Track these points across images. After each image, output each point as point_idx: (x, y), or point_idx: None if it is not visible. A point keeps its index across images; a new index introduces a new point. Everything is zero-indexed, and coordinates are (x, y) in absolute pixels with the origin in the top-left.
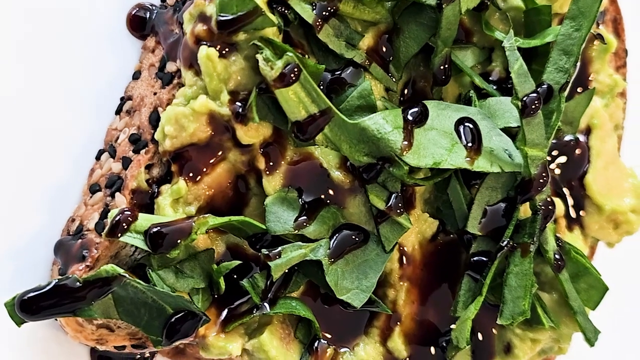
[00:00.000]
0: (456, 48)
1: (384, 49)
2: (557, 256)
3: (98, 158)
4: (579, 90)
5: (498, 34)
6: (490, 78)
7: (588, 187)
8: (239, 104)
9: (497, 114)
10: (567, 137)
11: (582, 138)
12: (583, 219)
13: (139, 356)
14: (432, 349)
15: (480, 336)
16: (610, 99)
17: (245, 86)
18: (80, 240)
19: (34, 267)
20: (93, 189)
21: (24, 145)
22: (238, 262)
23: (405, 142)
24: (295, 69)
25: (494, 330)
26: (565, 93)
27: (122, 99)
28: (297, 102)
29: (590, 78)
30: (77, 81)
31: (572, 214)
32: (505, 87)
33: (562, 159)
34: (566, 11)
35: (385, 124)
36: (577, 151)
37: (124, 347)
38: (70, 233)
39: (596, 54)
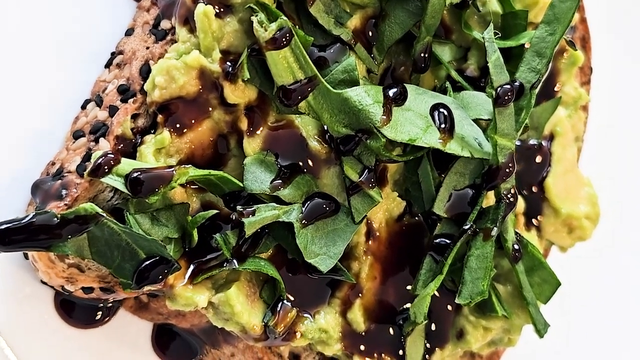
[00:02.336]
0: (436, 42)
1: (370, 33)
2: (515, 247)
3: (84, 107)
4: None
5: (476, 33)
6: (465, 74)
7: (547, 190)
8: (229, 63)
9: (470, 106)
10: (532, 141)
11: (545, 143)
12: (540, 222)
13: (101, 304)
14: (391, 330)
15: (435, 323)
16: (574, 110)
17: (237, 48)
18: (60, 181)
19: (8, 207)
20: (76, 134)
21: (8, 89)
22: (214, 211)
23: (384, 117)
24: (287, 34)
25: (449, 317)
26: (536, 91)
27: (112, 53)
28: (285, 66)
29: (556, 89)
30: (69, 34)
31: (531, 220)
32: (478, 84)
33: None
34: (540, 19)
35: (367, 96)
36: (540, 155)
37: (91, 289)
38: (50, 175)
39: (564, 67)
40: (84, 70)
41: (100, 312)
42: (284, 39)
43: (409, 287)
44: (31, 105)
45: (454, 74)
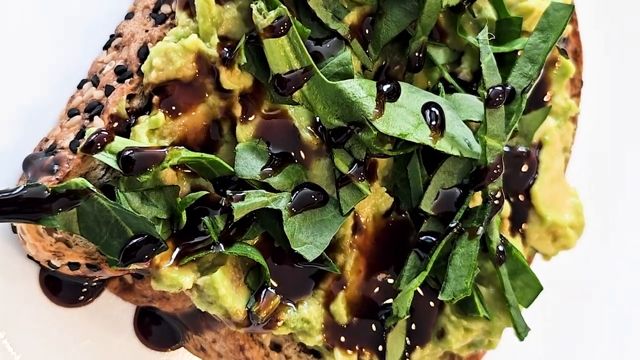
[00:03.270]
0: (431, 45)
1: (367, 31)
2: (500, 248)
3: (80, 87)
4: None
5: (470, 38)
6: (457, 78)
7: (533, 197)
8: (226, 49)
9: (461, 108)
10: (520, 148)
11: (533, 151)
12: (525, 229)
13: (86, 283)
14: (373, 326)
15: (417, 322)
16: (563, 121)
17: (234, 35)
18: (52, 156)
19: None
20: (71, 112)
21: (4, 66)
22: (204, 192)
23: (377, 110)
24: (286, 23)
25: (431, 316)
26: (527, 95)
27: (111, 36)
28: (282, 55)
29: (546, 98)
30: (69, 16)
31: (516, 226)
32: (469, 89)
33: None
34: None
35: (360, 89)
36: (528, 162)
37: (78, 265)
38: (42, 150)
39: (555, 77)
40: (82, 52)
41: (85, 292)
42: (281, 27)
43: (390, 281)
44: (26, 83)
45: (447, 75)
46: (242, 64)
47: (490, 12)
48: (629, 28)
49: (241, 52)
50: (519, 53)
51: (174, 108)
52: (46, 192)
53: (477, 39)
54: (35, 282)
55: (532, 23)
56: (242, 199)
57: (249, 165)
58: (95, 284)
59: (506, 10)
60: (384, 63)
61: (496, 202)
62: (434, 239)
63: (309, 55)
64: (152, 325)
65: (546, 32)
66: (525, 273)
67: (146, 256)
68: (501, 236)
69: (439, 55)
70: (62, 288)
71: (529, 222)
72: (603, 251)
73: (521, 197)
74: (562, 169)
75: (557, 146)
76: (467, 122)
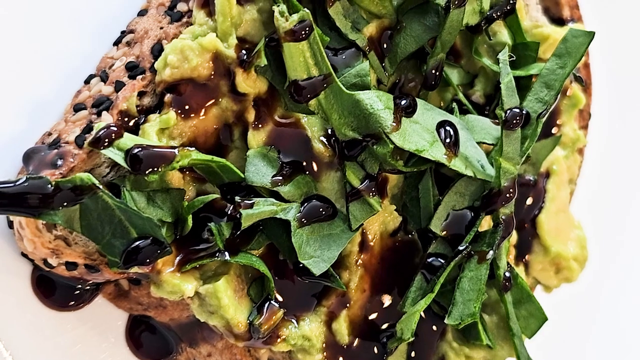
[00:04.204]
0: (445, 64)
1: (385, 45)
2: (506, 275)
3: (87, 82)
4: None
5: (485, 60)
6: (470, 100)
7: (539, 226)
8: (244, 51)
9: (474, 129)
10: (528, 177)
11: (540, 180)
12: (528, 260)
13: (80, 286)
14: (375, 348)
15: (417, 347)
16: (571, 152)
17: (253, 37)
18: (56, 150)
19: None
20: (77, 107)
21: (10, 57)
22: (214, 195)
23: (394, 124)
24: (307, 27)
25: (432, 342)
26: (543, 121)
27: (122, 32)
28: (301, 61)
29: (554, 130)
30: (78, 10)
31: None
32: (482, 111)
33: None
34: (549, 57)
35: (378, 101)
36: (535, 191)
37: (75, 266)
38: (45, 144)
39: (565, 108)
40: (90, 47)
41: (77, 295)
42: (303, 32)
43: (390, 302)
44: (28, 76)
45: (461, 96)
46: (262, 65)
47: (505, 37)
48: (635, 61)
49: (261, 53)
50: (533, 79)
51: (186, 108)
52: (49, 185)
53: (498, 59)
54: (27, 282)
55: (547, 50)
56: (251, 206)
57: (260, 172)
58: (88, 287)
59: (523, 34)
60: (398, 80)
61: (508, 224)
62: (442, 261)
63: (328, 63)
64: (144, 335)
65: (564, 58)
66: (530, 302)
67: (149, 259)
68: (507, 263)
69: (453, 76)
70: (54, 290)
71: (532, 252)
72: (604, 286)
73: (526, 226)
74: (568, 200)
75: (563, 177)
76: (479, 144)
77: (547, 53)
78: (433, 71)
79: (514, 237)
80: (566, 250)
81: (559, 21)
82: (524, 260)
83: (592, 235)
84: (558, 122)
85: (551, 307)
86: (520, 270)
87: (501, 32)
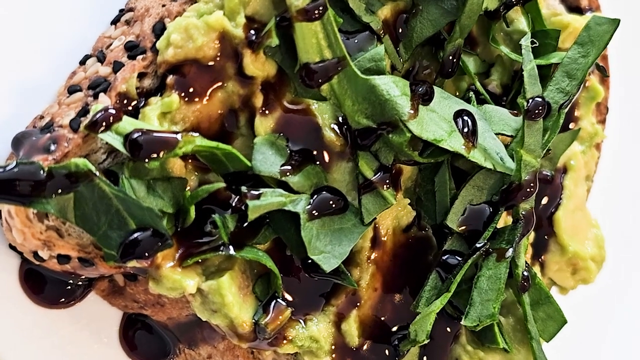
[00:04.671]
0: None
1: (400, 29)
2: (525, 274)
3: (83, 63)
4: None
5: (503, 48)
6: (486, 90)
7: (556, 224)
8: (252, 32)
9: (492, 120)
10: (545, 172)
11: (557, 176)
12: (544, 259)
13: (71, 281)
14: (386, 351)
15: (430, 351)
16: (588, 147)
17: (262, 17)
18: (49, 134)
19: None
20: (72, 89)
21: (1, 33)
22: (220, 184)
23: (412, 112)
24: (321, 7)
25: (445, 345)
26: (565, 112)
27: (121, 10)
28: (314, 42)
29: (571, 123)
30: None
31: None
32: (499, 102)
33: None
34: (568, 47)
35: (395, 87)
36: (552, 186)
37: (68, 259)
38: (37, 128)
39: (583, 101)
40: (85, 26)
41: (68, 292)
42: (316, 11)
43: (400, 302)
44: (19, 57)
45: (478, 85)
46: (273, 46)
47: (523, 25)
48: None
49: (272, 32)
50: (553, 68)
51: (190, 91)
52: (42, 171)
53: (515, 47)
54: (15, 277)
55: (566, 39)
56: (258, 197)
57: (268, 160)
58: (81, 283)
59: (543, 21)
60: (412, 67)
61: (528, 220)
62: (458, 258)
63: (342, 45)
64: (140, 336)
65: (586, 46)
66: (549, 304)
67: (148, 252)
68: (525, 262)
69: (470, 63)
70: (44, 285)
71: (549, 251)
72: (621, 287)
73: (542, 224)
74: (585, 197)
75: (581, 173)
76: (497, 135)
77: (566, 42)
78: (450, 57)
79: (531, 235)
80: (584, 250)
81: (576, 10)
82: (539, 259)
83: (609, 234)
84: (576, 114)
85: (567, 309)
86: (535, 270)
87: (518, 20)
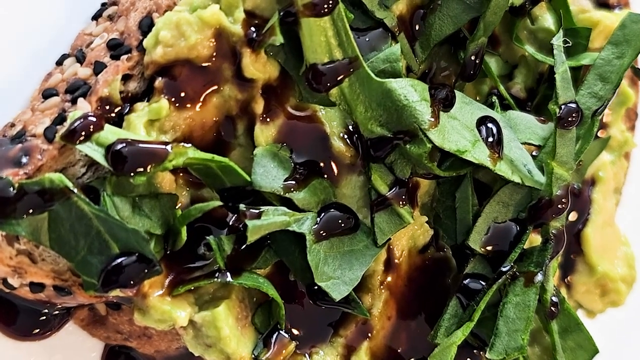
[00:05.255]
0: None
1: (417, 27)
2: (553, 299)
3: (60, 63)
4: None
5: (528, 48)
6: (510, 94)
7: (585, 242)
8: (253, 28)
9: (518, 128)
10: (572, 184)
11: (585, 189)
12: (570, 280)
13: (46, 311)
14: None
15: None
16: (618, 157)
17: (263, 12)
18: (20, 145)
19: None
20: (47, 93)
21: None
22: (217, 203)
23: (432, 120)
24: (331, 0)
25: None
26: (599, 119)
27: (103, 4)
28: (322, 40)
29: (599, 131)
30: None
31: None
32: (523, 108)
33: None
34: (598, 47)
35: (413, 91)
36: (580, 201)
37: (42, 287)
38: (7, 137)
39: (611, 106)
40: (63, 21)
41: (43, 322)
42: (326, 5)
43: (413, 330)
44: None
45: (502, 89)
46: (276, 45)
47: (549, 22)
48: None
49: (275, 29)
50: (583, 71)
51: (181, 96)
52: (11, 188)
53: (543, 46)
54: None
55: (595, 38)
56: (259, 216)
57: (269, 174)
58: (57, 312)
59: (572, 18)
60: (429, 68)
61: (559, 239)
62: (482, 283)
63: (355, 44)
64: None
65: (621, 46)
66: (579, 332)
67: (134, 280)
68: (554, 286)
69: (492, 65)
70: (15, 315)
71: (576, 271)
72: None
73: (570, 241)
74: (614, 212)
75: (610, 185)
76: (523, 145)
77: (595, 42)
78: (473, 58)
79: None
80: (613, 270)
81: (604, 6)
82: (565, 281)
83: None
84: (604, 121)
85: (596, 335)
86: (562, 293)
87: (543, 17)
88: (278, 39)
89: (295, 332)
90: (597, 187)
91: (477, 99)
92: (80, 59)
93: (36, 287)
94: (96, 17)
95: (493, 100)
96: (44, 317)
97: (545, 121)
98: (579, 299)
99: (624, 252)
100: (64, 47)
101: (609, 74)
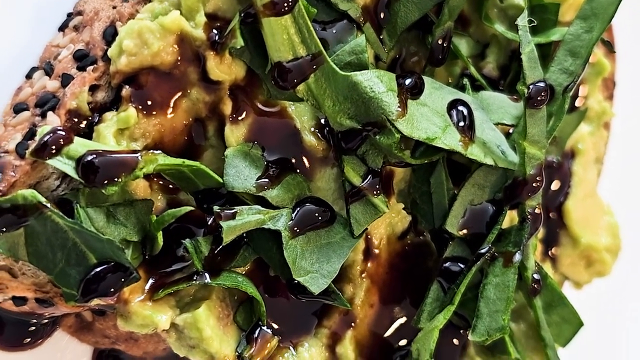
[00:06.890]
0: (452, 34)
1: (382, 14)
2: (535, 277)
3: (29, 77)
4: None
5: (498, 26)
6: (482, 73)
7: (566, 215)
8: (215, 31)
9: (490, 109)
10: (551, 158)
11: (565, 162)
12: (555, 253)
13: (34, 321)
14: None
15: None
16: (597, 127)
17: (225, 13)
18: None
19: None
20: (18, 108)
21: None
22: (189, 208)
23: (400, 109)
24: None
25: (452, 358)
26: (570, 95)
27: (69, 14)
28: (285, 39)
29: (577, 102)
30: None
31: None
32: (496, 87)
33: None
34: (569, 20)
35: (379, 82)
36: (560, 174)
37: (25, 300)
38: None
39: (588, 77)
40: (31, 34)
41: (32, 332)
42: (285, 4)
43: (402, 319)
44: None
45: (472, 70)
46: (238, 47)
47: None
48: None
49: (236, 32)
50: (554, 47)
51: (148, 103)
52: None
53: (512, 25)
54: None
55: (565, 12)
56: (233, 217)
57: (242, 174)
58: (45, 321)
59: None
60: (398, 55)
61: (535, 218)
62: (461, 265)
63: (317, 40)
64: None
65: (590, 20)
66: (563, 306)
67: (112, 289)
68: (535, 262)
69: (461, 47)
70: (2, 327)
71: (560, 244)
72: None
73: (552, 215)
74: (595, 182)
75: (590, 156)
76: (497, 126)
77: (566, 16)
78: (440, 42)
79: (540, 231)
80: (597, 241)
81: None
82: (550, 254)
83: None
84: (581, 93)
85: (582, 308)
86: (546, 266)
87: None
88: (238, 41)
89: (277, 326)
90: (577, 160)
91: (450, 81)
92: (49, 71)
93: (19, 300)
94: (62, 27)
95: (464, 82)
96: (33, 327)
97: (518, 100)
98: (564, 271)
99: (607, 221)
100: (32, 60)
101: (579, 49)
